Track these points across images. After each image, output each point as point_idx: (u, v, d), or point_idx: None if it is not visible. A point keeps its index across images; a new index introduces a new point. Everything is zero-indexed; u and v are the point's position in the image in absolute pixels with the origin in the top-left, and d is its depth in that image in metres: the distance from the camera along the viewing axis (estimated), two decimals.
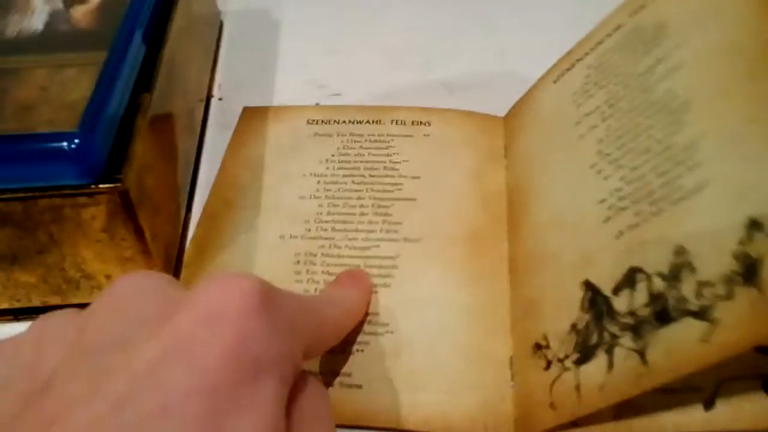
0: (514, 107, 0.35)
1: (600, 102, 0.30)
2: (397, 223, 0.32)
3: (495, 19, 0.42)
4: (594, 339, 0.24)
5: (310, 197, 0.33)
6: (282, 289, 0.19)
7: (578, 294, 0.25)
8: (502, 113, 0.36)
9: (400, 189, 0.33)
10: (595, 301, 0.25)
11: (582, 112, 0.30)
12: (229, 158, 0.35)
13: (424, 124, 0.36)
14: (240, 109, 0.37)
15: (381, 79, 0.39)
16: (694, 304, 0.22)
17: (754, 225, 0.21)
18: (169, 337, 0.16)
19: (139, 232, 0.26)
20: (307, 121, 0.36)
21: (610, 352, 0.23)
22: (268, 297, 0.18)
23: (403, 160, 0.34)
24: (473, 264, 0.30)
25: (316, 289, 0.30)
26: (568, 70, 0.33)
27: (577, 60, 0.33)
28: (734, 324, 0.21)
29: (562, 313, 0.25)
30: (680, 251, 0.23)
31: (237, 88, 0.38)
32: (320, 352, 0.24)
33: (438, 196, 0.33)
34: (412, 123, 0.36)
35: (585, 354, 0.24)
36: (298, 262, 0.30)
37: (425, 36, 0.42)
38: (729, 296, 0.21)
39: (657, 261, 0.23)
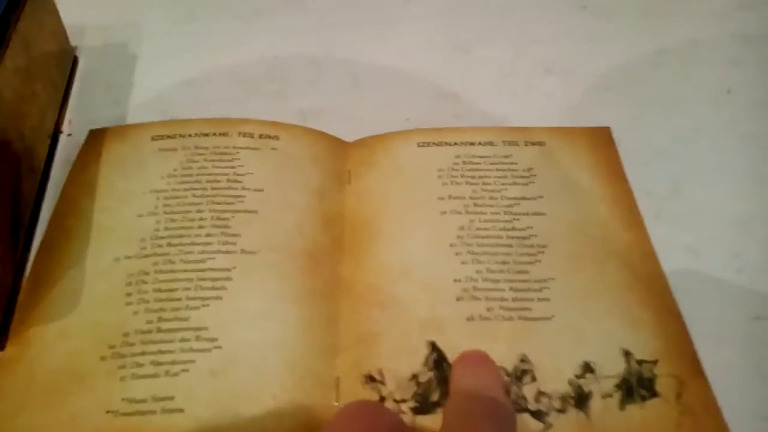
0: (366, 140, 0.37)
1: (466, 194, 0.34)
2: (235, 235, 0.31)
3: (351, 47, 0.43)
4: (435, 397, 0.27)
5: (148, 214, 0.32)
6: None
7: (423, 350, 0.28)
8: (351, 138, 0.37)
9: (242, 201, 0.33)
10: (441, 365, 0.28)
11: (447, 192, 0.34)
12: (70, 184, 0.34)
13: (272, 138, 0.36)
14: None
15: (235, 107, 0.39)
16: (532, 405, 0.26)
17: (587, 367, 0.27)
18: None
19: None
20: (152, 137, 0.36)
21: None
22: None
23: (248, 173, 0.34)
24: (309, 281, 0.30)
25: (146, 309, 0.29)
26: (437, 145, 0.36)
27: (447, 143, 0.36)
28: None
29: (403, 360, 0.28)
30: (525, 359, 0.28)
31: (88, 123, 0.38)
32: None
33: (280, 210, 0.33)
34: (260, 136, 0.36)
35: (424, 406, 0.27)
36: (130, 283, 0.30)
37: (282, 64, 0.43)
38: (563, 410, 0.26)
39: (503, 357, 0.28)
